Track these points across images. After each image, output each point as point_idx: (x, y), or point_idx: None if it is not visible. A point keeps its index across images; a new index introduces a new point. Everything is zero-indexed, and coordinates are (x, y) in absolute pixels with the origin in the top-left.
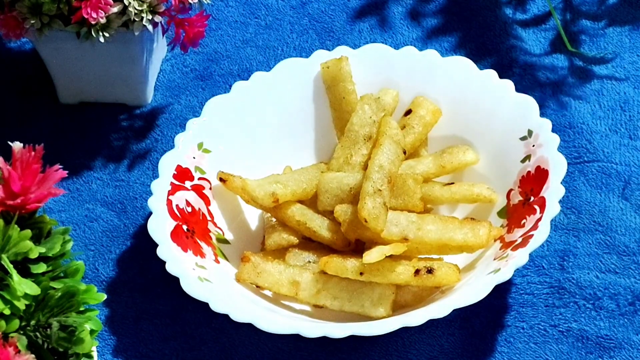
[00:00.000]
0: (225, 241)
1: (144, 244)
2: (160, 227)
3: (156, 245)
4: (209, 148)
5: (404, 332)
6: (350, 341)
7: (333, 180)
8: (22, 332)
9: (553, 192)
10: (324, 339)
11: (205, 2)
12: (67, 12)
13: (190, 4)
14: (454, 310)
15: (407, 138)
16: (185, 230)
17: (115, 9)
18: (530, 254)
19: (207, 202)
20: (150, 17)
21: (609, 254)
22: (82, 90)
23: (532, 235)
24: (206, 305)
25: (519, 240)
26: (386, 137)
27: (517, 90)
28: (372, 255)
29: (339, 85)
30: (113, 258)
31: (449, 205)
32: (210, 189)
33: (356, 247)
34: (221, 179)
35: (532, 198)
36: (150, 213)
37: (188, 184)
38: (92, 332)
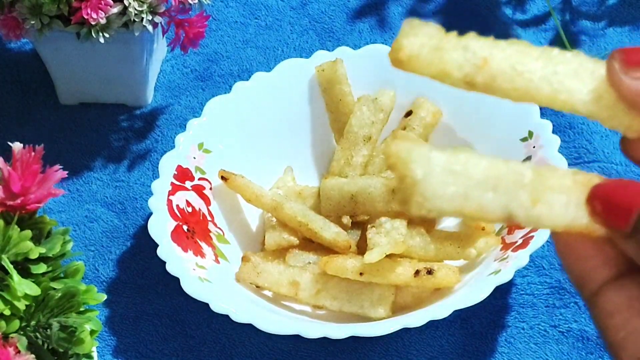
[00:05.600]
0: (226, 241)
1: (144, 244)
2: (160, 228)
3: (156, 245)
4: (209, 148)
5: (404, 333)
6: (350, 342)
7: (334, 188)
8: (22, 332)
9: None
10: (324, 340)
11: (205, 2)
12: (67, 13)
13: (190, 4)
14: (454, 311)
15: None
16: (186, 230)
17: (115, 10)
18: (530, 255)
19: (208, 202)
20: (150, 17)
21: None
22: (82, 90)
23: (533, 236)
24: (206, 305)
25: (520, 241)
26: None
27: None
28: (373, 254)
29: (335, 87)
30: (113, 258)
31: None
32: (211, 189)
33: (357, 248)
34: (223, 177)
35: None
36: (151, 213)
37: (188, 184)
38: (92, 332)
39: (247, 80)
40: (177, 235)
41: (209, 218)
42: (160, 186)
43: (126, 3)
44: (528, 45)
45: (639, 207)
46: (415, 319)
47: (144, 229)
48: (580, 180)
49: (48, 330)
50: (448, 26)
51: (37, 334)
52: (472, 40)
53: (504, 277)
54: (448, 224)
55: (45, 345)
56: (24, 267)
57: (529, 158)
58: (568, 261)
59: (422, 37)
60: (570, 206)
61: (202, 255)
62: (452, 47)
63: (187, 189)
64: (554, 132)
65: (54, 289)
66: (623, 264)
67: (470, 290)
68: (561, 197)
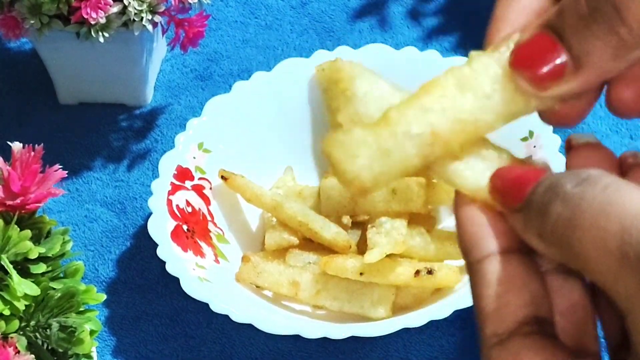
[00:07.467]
0: (226, 241)
1: (144, 244)
2: (160, 227)
3: (156, 245)
4: (209, 148)
5: (404, 333)
6: (350, 342)
7: (334, 187)
8: (21, 332)
9: None
10: (324, 340)
11: (205, 2)
12: (67, 12)
13: (190, 3)
14: (455, 311)
15: None
16: (186, 230)
17: (114, 9)
18: None
19: (208, 202)
20: (150, 17)
21: None
22: (82, 90)
23: None
24: (206, 305)
25: None
26: None
27: None
28: (373, 254)
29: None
30: (113, 258)
31: (449, 206)
32: (211, 189)
33: (357, 248)
34: (222, 177)
35: None
36: (150, 213)
37: (188, 183)
38: (91, 332)
39: (247, 79)
40: (176, 235)
41: (208, 218)
42: (160, 186)
43: (126, 2)
44: (435, 84)
45: (530, 187)
46: (415, 319)
47: (143, 229)
48: (505, 157)
49: (47, 330)
50: (448, 26)
51: (37, 334)
52: (406, 122)
53: None
54: (448, 224)
55: (45, 346)
56: (23, 267)
57: (529, 158)
58: (463, 222)
59: (360, 150)
60: (484, 175)
61: (202, 255)
62: (392, 143)
63: (187, 189)
64: (554, 131)
65: (54, 289)
66: (514, 241)
67: None
68: (481, 165)
